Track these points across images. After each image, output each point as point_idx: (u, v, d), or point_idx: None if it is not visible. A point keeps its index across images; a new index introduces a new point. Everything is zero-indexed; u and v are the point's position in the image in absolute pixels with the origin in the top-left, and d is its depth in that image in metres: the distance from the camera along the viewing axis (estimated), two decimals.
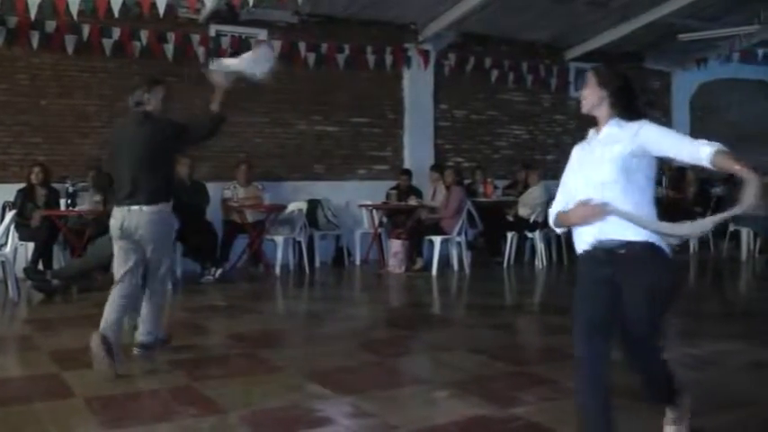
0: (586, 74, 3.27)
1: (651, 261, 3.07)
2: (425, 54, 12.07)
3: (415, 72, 12.11)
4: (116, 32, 9.90)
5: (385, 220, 11.00)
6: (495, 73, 12.82)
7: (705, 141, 2.92)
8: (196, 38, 10.42)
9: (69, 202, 8.83)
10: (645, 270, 3.07)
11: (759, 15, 11.23)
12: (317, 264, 10.56)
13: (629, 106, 3.17)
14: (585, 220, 3.15)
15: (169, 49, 10.23)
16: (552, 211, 3.35)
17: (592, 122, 3.22)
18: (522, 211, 10.60)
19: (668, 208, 12.47)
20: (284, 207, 10.17)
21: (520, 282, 9.63)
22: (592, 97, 3.22)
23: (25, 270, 8.53)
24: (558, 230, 3.46)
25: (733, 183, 12.12)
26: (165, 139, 5.13)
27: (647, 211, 3.09)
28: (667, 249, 3.07)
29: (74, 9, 8.82)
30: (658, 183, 12.62)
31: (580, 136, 3.14)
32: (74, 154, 9.91)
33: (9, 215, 8.31)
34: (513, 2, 11.24)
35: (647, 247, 3.05)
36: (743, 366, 5.08)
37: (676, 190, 12.72)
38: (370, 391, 4.46)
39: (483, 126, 13.02)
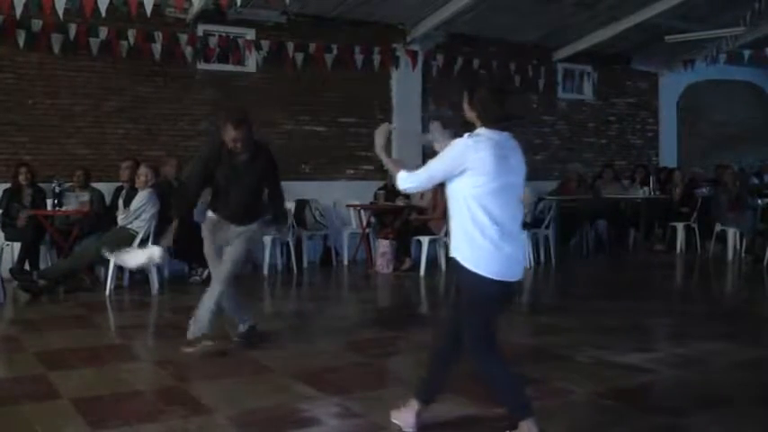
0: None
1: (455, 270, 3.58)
2: (413, 54, 12.07)
3: (404, 72, 12.10)
4: (103, 32, 9.85)
5: (373, 220, 10.99)
6: (483, 74, 12.83)
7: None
8: (184, 37, 10.38)
9: (56, 201, 8.78)
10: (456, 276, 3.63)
11: (745, 17, 11.27)
12: (305, 264, 10.55)
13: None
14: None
15: (156, 48, 10.19)
16: (419, 183, 3.67)
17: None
18: None
19: (655, 207, 12.58)
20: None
21: None
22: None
23: (11, 270, 8.50)
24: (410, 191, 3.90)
25: (720, 184, 12.22)
26: None
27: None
28: (462, 260, 3.49)
29: (60, 8, 8.77)
30: (645, 183, 12.70)
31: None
32: (60, 154, 9.86)
33: None
34: (501, 3, 11.25)
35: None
36: (728, 365, 5.11)
37: (663, 190, 12.78)
38: (357, 392, 4.46)
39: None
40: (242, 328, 5.83)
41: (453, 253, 3.54)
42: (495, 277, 3.42)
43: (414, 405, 3.78)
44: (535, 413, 3.49)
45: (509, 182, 3.50)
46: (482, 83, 3.81)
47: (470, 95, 3.63)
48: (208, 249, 5.68)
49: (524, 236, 3.52)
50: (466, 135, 3.55)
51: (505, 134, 3.58)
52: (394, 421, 3.81)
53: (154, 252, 5.84)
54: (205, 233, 5.67)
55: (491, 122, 3.56)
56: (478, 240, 3.43)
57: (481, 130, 3.56)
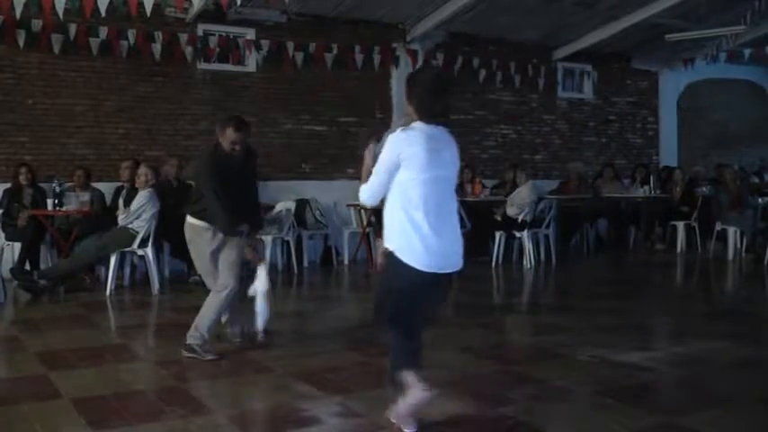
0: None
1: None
2: (413, 54, 12.08)
3: (404, 71, 12.07)
4: (103, 32, 9.85)
5: (373, 219, 10.99)
6: (483, 73, 12.83)
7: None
8: (184, 37, 10.39)
9: (56, 201, 8.78)
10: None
11: (746, 16, 11.27)
12: (306, 263, 10.55)
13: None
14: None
15: (156, 48, 10.20)
16: (372, 190, 3.70)
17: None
18: (511, 211, 10.61)
19: (655, 206, 12.58)
20: (272, 207, 10.15)
21: (508, 281, 9.64)
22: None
23: (12, 270, 8.49)
24: (370, 203, 3.79)
25: (720, 183, 12.21)
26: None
27: None
28: (393, 249, 3.63)
29: (60, 8, 8.78)
30: (645, 182, 12.69)
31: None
32: (60, 153, 9.87)
33: None
34: (501, 2, 11.26)
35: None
36: (729, 364, 5.11)
37: (663, 189, 12.78)
38: (357, 391, 4.46)
39: (471, 126, 13.03)
40: (235, 329, 5.81)
41: (386, 243, 3.67)
42: (423, 269, 3.56)
43: (403, 399, 3.76)
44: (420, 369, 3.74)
45: (441, 175, 3.64)
46: (421, 79, 3.85)
47: (409, 91, 3.78)
48: (201, 259, 5.52)
49: (458, 228, 3.80)
50: (399, 129, 3.68)
51: (441, 128, 3.72)
52: (393, 421, 3.81)
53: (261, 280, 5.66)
54: (195, 241, 5.49)
55: (426, 117, 3.68)
56: (409, 231, 3.56)
57: (416, 124, 3.68)
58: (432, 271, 3.58)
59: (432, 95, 3.70)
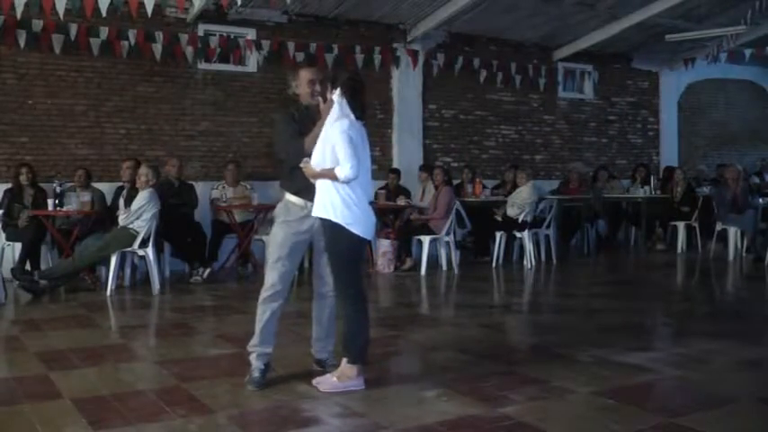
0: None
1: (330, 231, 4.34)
2: (414, 54, 12.08)
3: (404, 72, 12.11)
4: (104, 32, 9.86)
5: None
6: (483, 73, 12.84)
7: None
8: (184, 37, 10.40)
9: (57, 202, 8.78)
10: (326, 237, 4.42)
11: (746, 16, 11.27)
12: (306, 263, 10.52)
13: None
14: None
15: (157, 48, 10.20)
16: (353, 164, 4.18)
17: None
18: (511, 211, 10.61)
19: (656, 207, 12.57)
20: (273, 207, 10.10)
21: (508, 281, 9.63)
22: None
23: (13, 270, 8.50)
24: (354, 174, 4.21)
25: (721, 183, 12.21)
26: None
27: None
28: (343, 222, 4.25)
29: (61, 8, 8.78)
30: (646, 183, 12.69)
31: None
32: (61, 154, 9.88)
33: None
34: (501, 2, 11.26)
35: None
36: (729, 365, 5.10)
37: (664, 189, 12.77)
38: (358, 391, 4.45)
39: (471, 126, 13.03)
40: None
41: (332, 217, 4.24)
42: (367, 236, 4.34)
43: (355, 368, 4.43)
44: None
45: (367, 158, 4.39)
46: (341, 80, 4.35)
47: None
48: (280, 244, 4.61)
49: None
50: (344, 118, 4.27)
51: (359, 123, 4.36)
52: (339, 390, 4.36)
53: None
54: (282, 225, 4.66)
55: (350, 114, 4.31)
56: (357, 205, 4.26)
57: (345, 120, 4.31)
58: (368, 238, 4.39)
59: (351, 97, 4.29)
